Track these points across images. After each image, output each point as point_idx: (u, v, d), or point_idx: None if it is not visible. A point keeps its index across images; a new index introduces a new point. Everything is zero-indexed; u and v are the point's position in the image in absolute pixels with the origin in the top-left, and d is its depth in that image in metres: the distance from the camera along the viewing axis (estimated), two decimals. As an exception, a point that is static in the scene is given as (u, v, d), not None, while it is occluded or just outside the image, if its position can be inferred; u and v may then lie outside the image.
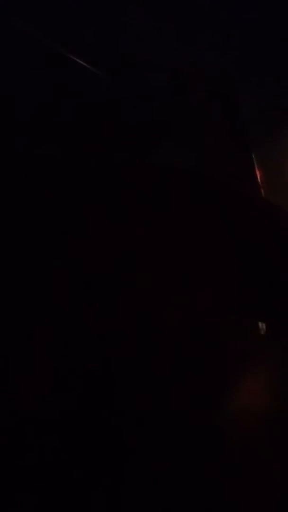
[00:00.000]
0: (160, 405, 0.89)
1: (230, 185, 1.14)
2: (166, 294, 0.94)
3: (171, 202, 1.00)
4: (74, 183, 0.98)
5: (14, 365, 0.86)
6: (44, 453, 0.84)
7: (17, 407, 0.85)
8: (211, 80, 1.31)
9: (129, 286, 0.92)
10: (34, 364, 0.87)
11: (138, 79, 1.24)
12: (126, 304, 0.92)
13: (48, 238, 0.93)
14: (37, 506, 0.83)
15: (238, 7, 1.35)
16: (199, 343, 0.93)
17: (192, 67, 1.30)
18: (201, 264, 0.98)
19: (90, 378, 0.88)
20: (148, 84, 1.25)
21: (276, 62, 1.41)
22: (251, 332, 1.03)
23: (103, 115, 1.16)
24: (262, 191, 1.27)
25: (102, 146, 1.11)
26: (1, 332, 0.87)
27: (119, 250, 0.94)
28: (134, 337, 0.90)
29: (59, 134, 1.10)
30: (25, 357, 0.87)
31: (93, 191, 0.98)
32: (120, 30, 1.27)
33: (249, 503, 0.87)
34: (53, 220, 0.94)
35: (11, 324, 0.88)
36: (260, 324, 1.04)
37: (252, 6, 1.36)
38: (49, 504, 0.83)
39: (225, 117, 1.31)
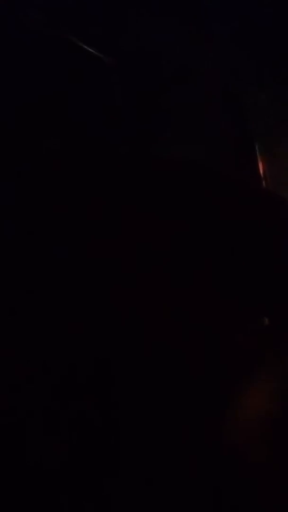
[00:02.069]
0: (159, 405, 0.88)
1: (233, 177, 1.14)
2: (165, 289, 0.93)
3: (173, 195, 1.00)
4: (76, 176, 0.98)
5: (10, 364, 0.86)
6: (41, 453, 0.83)
7: (14, 405, 0.84)
8: (215, 71, 1.30)
9: (129, 280, 0.92)
10: (31, 361, 0.86)
11: (142, 70, 1.23)
12: (125, 299, 0.91)
13: (49, 231, 0.92)
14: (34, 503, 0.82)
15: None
16: (200, 340, 0.93)
17: (197, 58, 1.29)
18: (202, 258, 0.97)
19: (88, 377, 0.87)
20: (151, 75, 1.24)
21: (282, 54, 1.39)
22: (254, 327, 1.03)
23: (105, 105, 1.15)
24: (266, 184, 1.26)
25: (103, 137, 1.11)
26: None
27: (120, 243, 0.93)
28: (132, 335, 0.90)
29: (59, 126, 1.09)
30: (22, 353, 0.86)
31: (95, 183, 0.98)
32: (125, 20, 1.26)
33: (248, 505, 0.86)
34: (55, 214, 0.93)
35: (9, 321, 0.87)
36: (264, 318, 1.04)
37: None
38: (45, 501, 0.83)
39: (228, 109, 1.30)
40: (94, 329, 0.88)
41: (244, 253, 1.00)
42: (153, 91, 1.22)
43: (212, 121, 1.26)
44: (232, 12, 1.34)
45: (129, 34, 1.24)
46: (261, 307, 1.01)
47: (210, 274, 0.97)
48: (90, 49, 1.14)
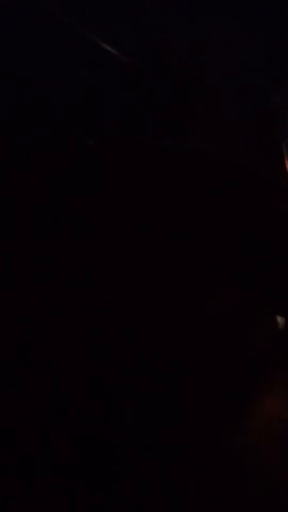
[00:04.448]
0: (166, 402, 0.86)
1: (261, 173, 1.12)
2: (178, 285, 0.91)
3: (200, 188, 0.99)
4: (102, 166, 0.98)
5: (16, 367, 0.85)
6: (43, 450, 0.82)
7: (19, 405, 0.83)
8: (243, 67, 1.28)
9: (138, 277, 0.90)
10: (35, 363, 0.85)
11: (166, 66, 1.22)
12: (136, 296, 0.90)
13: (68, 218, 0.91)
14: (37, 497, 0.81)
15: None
16: (214, 338, 0.91)
17: (223, 53, 1.27)
18: (218, 253, 0.95)
19: (92, 376, 0.86)
20: (177, 71, 1.23)
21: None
22: (269, 327, 1.00)
23: (131, 101, 1.15)
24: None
25: (129, 131, 1.10)
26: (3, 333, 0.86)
27: (135, 237, 0.92)
28: (140, 336, 0.88)
29: (87, 119, 1.09)
30: (26, 356, 0.85)
31: (122, 174, 0.97)
32: (147, 16, 1.25)
33: (248, 505, 0.83)
34: (78, 200, 0.93)
35: (13, 325, 0.86)
36: (279, 319, 1.01)
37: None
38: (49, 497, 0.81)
39: (257, 105, 1.27)
40: (97, 328, 0.87)
41: (263, 248, 0.98)
42: (179, 88, 1.21)
43: (241, 116, 1.23)
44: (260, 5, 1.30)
45: (153, 30, 1.23)
46: (277, 305, 0.98)
47: (226, 271, 0.95)
48: (109, 48, 1.14)
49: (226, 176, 1.04)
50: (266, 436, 0.88)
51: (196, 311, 0.92)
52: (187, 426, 0.86)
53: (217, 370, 0.90)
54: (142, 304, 0.90)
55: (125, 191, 0.97)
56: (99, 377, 0.85)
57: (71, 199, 0.93)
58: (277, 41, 1.25)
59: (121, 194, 0.97)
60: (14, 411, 0.82)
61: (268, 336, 0.97)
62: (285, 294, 0.99)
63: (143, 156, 1.03)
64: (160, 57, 1.21)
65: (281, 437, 0.88)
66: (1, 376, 0.82)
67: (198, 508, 0.81)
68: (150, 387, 0.87)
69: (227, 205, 1.00)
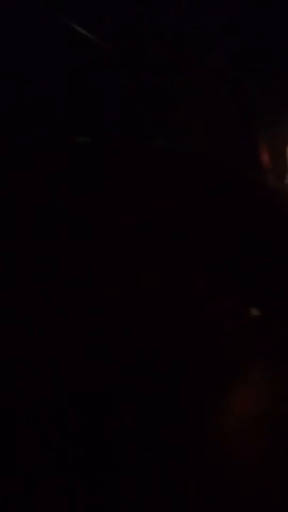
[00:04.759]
0: (154, 405, 0.87)
1: (237, 170, 1.13)
2: (160, 285, 0.92)
3: (173, 186, 0.99)
4: (76, 162, 0.97)
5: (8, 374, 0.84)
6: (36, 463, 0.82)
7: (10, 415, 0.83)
8: (220, 59, 1.29)
9: (123, 278, 0.90)
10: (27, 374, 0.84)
11: (144, 57, 1.22)
12: (120, 297, 0.90)
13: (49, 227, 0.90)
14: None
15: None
16: (195, 336, 0.92)
17: (200, 44, 1.28)
18: (198, 253, 0.96)
19: (83, 377, 0.86)
20: (154, 62, 1.23)
21: (285, 43, 1.37)
22: (246, 318, 1.02)
23: (106, 92, 1.14)
24: (268, 175, 1.26)
25: (105, 126, 1.09)
26: None
27: (117, 243, 0.92)
28: (129, 336, 0.88)
29: (62, 110, 1.08)
30: (19, 366, 0.84)
31: (95, 173, 0.97)
32: (126, 4, 1.24)
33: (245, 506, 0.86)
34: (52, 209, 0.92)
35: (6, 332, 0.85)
36: (253, 311, 1.03)
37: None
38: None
39: (233, 98, 1.29)
40: (87, 329, 0.87)
41: (245, 246, 0.99)
42: (155, 81, 1.21)
43: (216, 111, 1.25)
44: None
45: (133, 19, 1.22)
46: (255, 298, 1.00)
47: (205, 267, 0.96)
48: (88, 34, 1.12)
49: (204, 174, 1.05)
50: (243, 429, 0.90)
51: (171, 303, 0.93)
52: (172, 426, 0.87)
53: (190, 362, 0.92)
54: (132, 300, 0.90)
55: (94, 191, 0.97)
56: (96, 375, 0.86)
57: (69, 198, 0.92)
58: (259, 34, 1.27)
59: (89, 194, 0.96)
60: (13, 411, 0.81)
61: (242, 328, 0.99)
62: (260, 285, 1.01)
63: (119, 153, 1.03)
64: (141, 47, 1.20)
65: (257, 429, 0.91)
66: (1, 376, 0.82)
67: (197, 507, 0.83)
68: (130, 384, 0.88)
69: (204, 203, 1.02)
